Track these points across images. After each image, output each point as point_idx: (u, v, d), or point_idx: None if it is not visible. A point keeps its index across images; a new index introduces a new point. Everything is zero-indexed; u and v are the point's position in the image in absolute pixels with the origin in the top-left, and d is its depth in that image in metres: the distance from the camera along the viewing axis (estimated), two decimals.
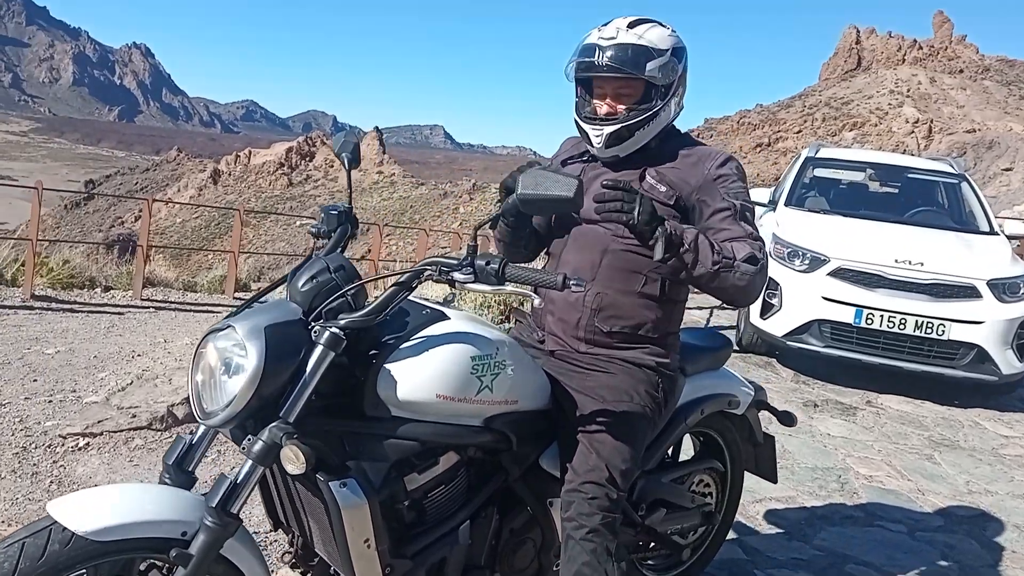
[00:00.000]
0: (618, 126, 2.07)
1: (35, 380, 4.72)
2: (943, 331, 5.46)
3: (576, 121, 2.16)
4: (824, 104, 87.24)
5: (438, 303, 1.96)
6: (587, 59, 2.07)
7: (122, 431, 3.67)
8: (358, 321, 1.65)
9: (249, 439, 1.60)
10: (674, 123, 2.20)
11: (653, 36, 2.06)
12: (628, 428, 2.06)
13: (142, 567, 1.64)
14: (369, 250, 12.77)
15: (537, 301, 1.68)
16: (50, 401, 4.31)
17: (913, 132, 75.42)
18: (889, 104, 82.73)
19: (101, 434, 3.67)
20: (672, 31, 2.12)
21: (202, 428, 1.74)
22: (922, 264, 5.60)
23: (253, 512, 2.85)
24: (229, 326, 1.61)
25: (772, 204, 6.97)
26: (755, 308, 6.05)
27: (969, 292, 5.55)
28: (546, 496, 2.09)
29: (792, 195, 6.97)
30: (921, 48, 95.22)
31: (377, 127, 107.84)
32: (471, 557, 1.97)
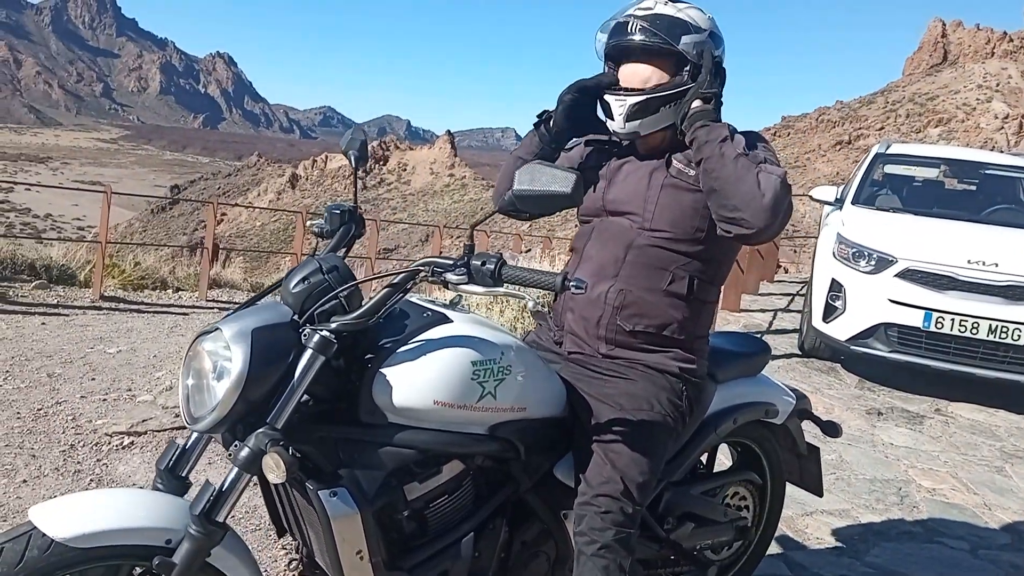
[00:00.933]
0: (643, 97, 1.97)
1: (93, 379, 4.86)
2: (1019, 336, 5.13)
3: (600, 99, 2.06)
4: (908, 100, 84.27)
5: (443, 305, 1.90)
6: (619, 29, 2.00)
7: (165, 430, 3.73)
8: (350, 324, 1.60)
9: (236, 445, 1.57)
10: None
11: (692, 13, 2.00)
12: (647, 438, 1.96)
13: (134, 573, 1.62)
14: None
15: (531, 304, 1.60)
16: (104, 400, 4.43)
17: (1003, 128, 72.06)
18: (977, 99, 79.30)
19: (145, 433, 3.74)
20: (711, 17, 2.02)
21: (194, 433, 1.71)
22: (997, 265, 5.28)
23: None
24: (217, 328, 1.57)
25: (839, 203, 6.69)
26: (818, 311, 5.82)
27: None
28: (560, 508, 1.99)
29: (860, 193, 6.67)
30: (1011, 40, 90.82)
31: (449, 131, 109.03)
32: (478, 571, 1.89)
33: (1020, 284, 5.22)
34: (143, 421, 3.78)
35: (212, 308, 8.46)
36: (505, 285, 1.58)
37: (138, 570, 1.62)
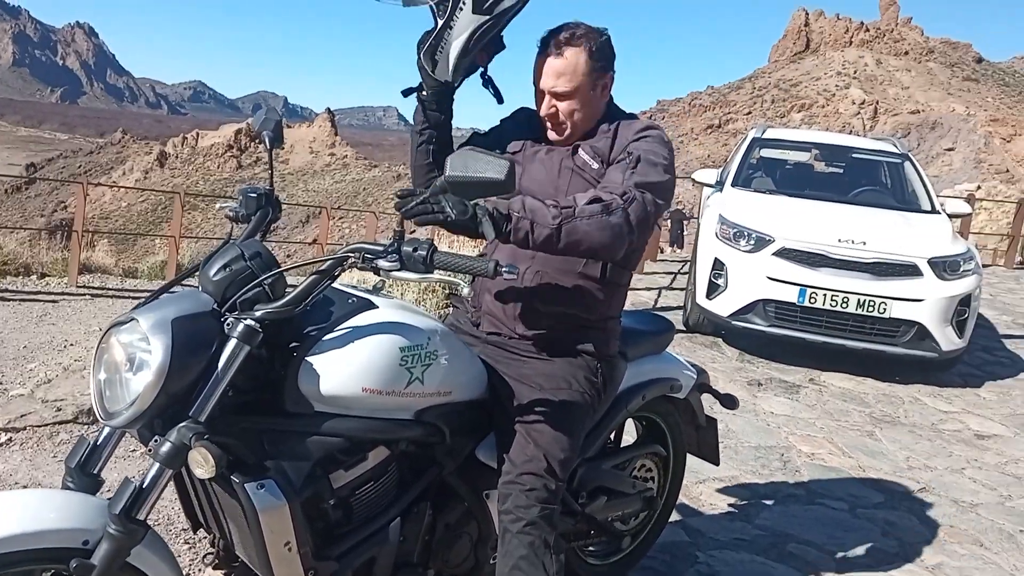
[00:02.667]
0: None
1: None
2: (885, 309, 5.53)
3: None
4: (773, 86, 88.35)
5: (367, 291, 1.88)
6: None
7: (46, 425, 3.52)
8: (275, 312, 1.57)
9: (156, 440, 1.51)
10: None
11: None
12: (567, 416, 2.01)
13: None
14: (316, 239, 12.57)
15: (467, 290, 1.61)
16: None
17: (859, 113, 76.79)
18: (836, 86, 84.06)
19: (24, 429, 3.52)
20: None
21: (107, 428, 1.64)
22: (865, 243, 5.66)
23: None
24: (133, 319, 1.51)
25: (719, 185, 6.99)
26: (701, 288, 6.07)
27: (910, 270, 5.62)
28: (483, 488, 2.03)
29: (739, 176, 6.99)
30: (868, 30, 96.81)
31: (329, 108, 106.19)
32: (403, 554, 1.90)
33: (885, 261, 5.62)
34: (21, 416, 3.55)
35: (84, 295, 7.98)
36: (437, 271, 1.58)
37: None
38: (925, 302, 5.53)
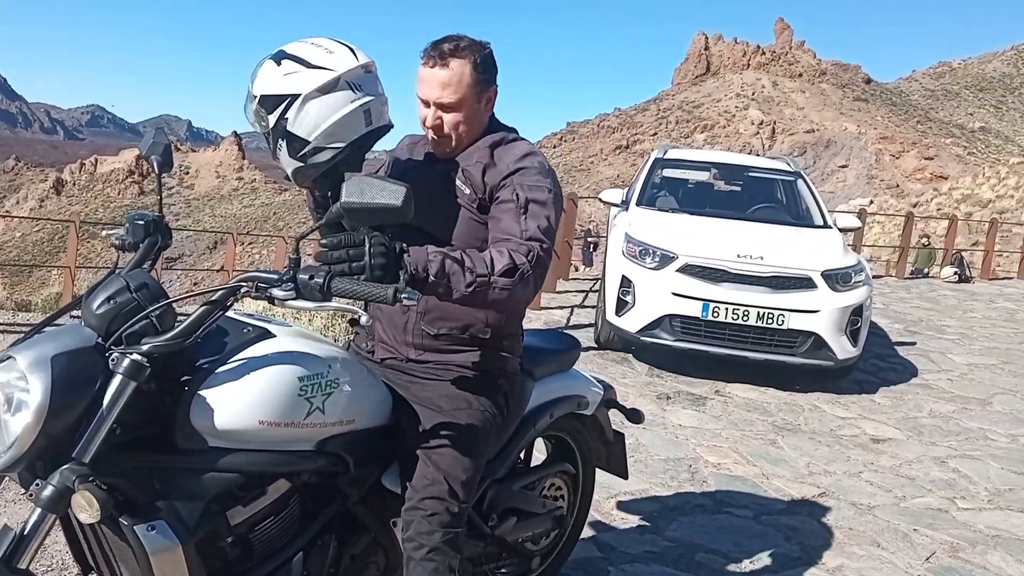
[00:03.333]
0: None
1: None
2: (783, 321, 5.75)
3: None
4: (677, 107, 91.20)
5: (263, 319, 1.84)
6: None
7: None
8: (163, 346, 1.52)
9: (38, 484, 1.44)
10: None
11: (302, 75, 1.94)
12: (468, 437, 2.01)
13: None
14: (224, 265, 12.24)
15: (364, 318, 1.60)
16: None
17: (758, 133, 79.98)
18: (736, 107, 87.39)
19: None
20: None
21: None
22: (762, 258, 5.88)
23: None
24: (9, 357, 1.44)
25: (625, 204, 7.16)
26: (611, 305, 6.18)
27: (805, 283, 5.87)
28: (389, 517, 2.00)
29: (643, 195, 7.17)
30: (764, 53, 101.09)
31: (236, 132, 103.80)
32: None
33: (781, 275, 5.85)
34: None
35: None
36: (335, 299, 1.56)
37: None
38: (820, 313, 5.78)
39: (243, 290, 1.56)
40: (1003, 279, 15.21)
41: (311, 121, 1.84)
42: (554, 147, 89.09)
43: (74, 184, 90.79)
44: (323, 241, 1.63)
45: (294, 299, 1.53)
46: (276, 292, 1.53)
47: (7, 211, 72.81)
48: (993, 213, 23.53)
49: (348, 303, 1.58)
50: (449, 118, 2.00)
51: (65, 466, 1.43)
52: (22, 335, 1.58)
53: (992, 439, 5.23)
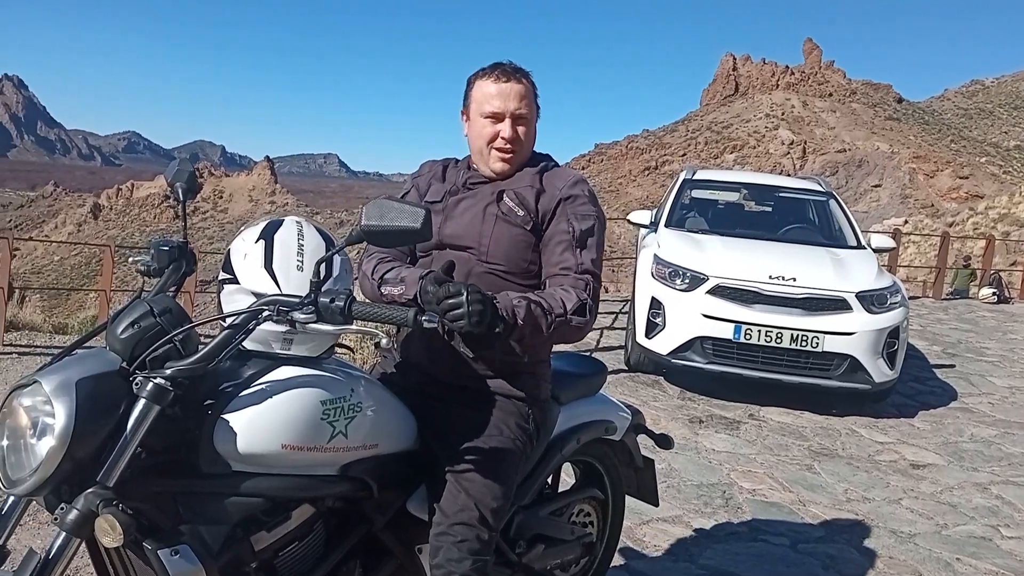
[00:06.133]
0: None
1: None
2: (817, 343, 5.64)
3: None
4: (706, 128, 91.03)
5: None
6: None
7: None
8: (187, 369, 1.51)
9: (63, 508, 1.43)
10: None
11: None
12: (498, 464, 1.98)
13: None
14: None
15: (384, 341, 1.58)
16: None
17: (788, 153, 79.51)
18: (766, 127, 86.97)
19: None
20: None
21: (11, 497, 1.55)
22: (795, 279, 5.79)
23: None
24: (35, 381, 1.44)
25: (653, 225, 7.10)
26: (640, 328, 6.12)
27: (840, 305, 5.76)
28: (415, 543, 1.97)
29: (672, 216, 7.12)
30: (793, 74, 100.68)
31: (268, 157, 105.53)
32: None
33: (816, 296, 5.75)
34: None
35: (10, 354, 7.66)
36: (356, 322, 1.55)
37: None
38: (856, 335, 5.67)
39: (264, 314, 1.55)
40: None
41: None
42: (583, 168, 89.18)
43: (111, 209, 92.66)
44: (428, 288, 1.76)
45: (315, 322, 1.52)
46: (297, 315, 1.53)
47: (46, 236, 74.47)
48: None
49: (368, 326, 1.57)
50: (523, 131, 2.07)
51: (89, 490, 1.42)
52: (50, 360, 1.58)
53: None
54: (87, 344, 1.66)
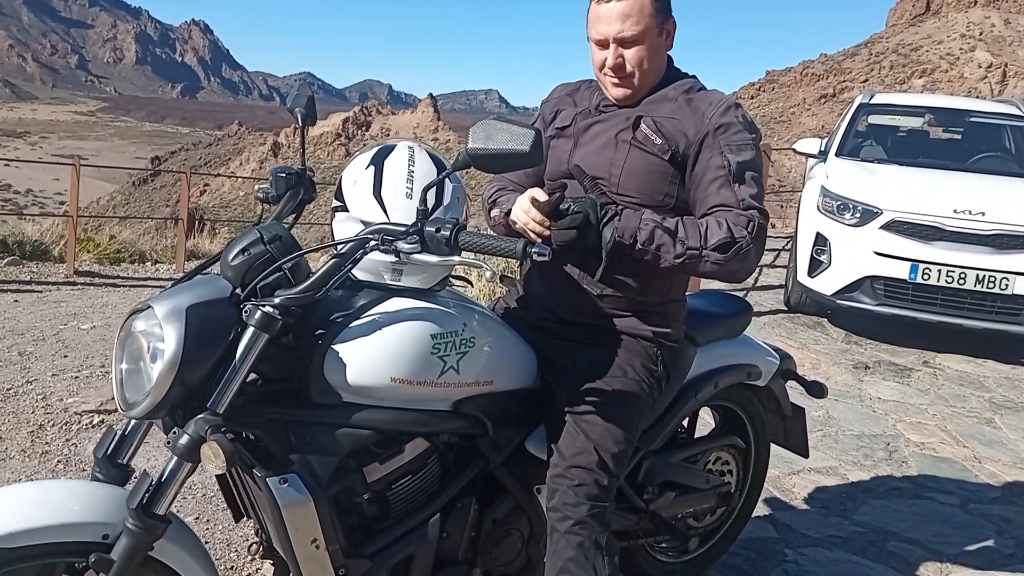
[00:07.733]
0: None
1: (66, 356, 4.73)
2: (1007, 285, 5.06)
3: None
4: (892, 51, 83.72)
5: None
6: None
7: None
8: (295, 298, 1.48)
9: (175, 432, 1.45)
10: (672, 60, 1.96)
11: None
12: (621, 407, 1.86)
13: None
14: None
15: (489, 274, 1.48)
16: (76, 377, 4.31)
17: (987, 77, 71.86)
18: (960, 49, 78.79)
19: (115, 411, 3.62)
20: None
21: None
22: (983, 214, 5.19)
23: None
24: (148, 307, 1.45)
25: (823, 155, 6.57)
26: (803, 266, 5.72)
27: None
28: (533, 483, 1.91)
29: (844, 144, 6.55)
30: None
31: (431, 94, 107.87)
32: (446, 552, 1.80)
33: (1007, 232, 5.14)
34: (113, 398, 3.66)
35: None
36: (462, 253, 1.46)
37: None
38: None
39: (371, 243, 1.49)
40: None
41: None
42: (752, 98, 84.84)
43: (288, 147, 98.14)
44: (545, 202, 1.66)
45: (419, 252, 1.45)
46: (402, 245, 1.46)
47: (232, 172, 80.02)
48: None
49: (474, 258, 1.47)
50: (631, 54, 1.83)
51: (199, 416, 1.43)
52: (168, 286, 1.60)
53: None
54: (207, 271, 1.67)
